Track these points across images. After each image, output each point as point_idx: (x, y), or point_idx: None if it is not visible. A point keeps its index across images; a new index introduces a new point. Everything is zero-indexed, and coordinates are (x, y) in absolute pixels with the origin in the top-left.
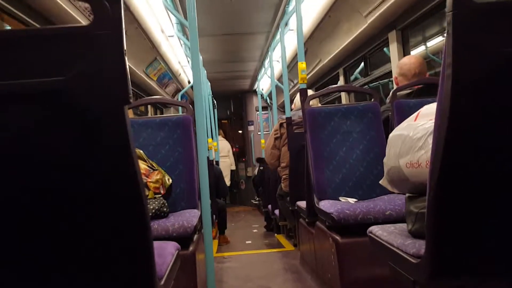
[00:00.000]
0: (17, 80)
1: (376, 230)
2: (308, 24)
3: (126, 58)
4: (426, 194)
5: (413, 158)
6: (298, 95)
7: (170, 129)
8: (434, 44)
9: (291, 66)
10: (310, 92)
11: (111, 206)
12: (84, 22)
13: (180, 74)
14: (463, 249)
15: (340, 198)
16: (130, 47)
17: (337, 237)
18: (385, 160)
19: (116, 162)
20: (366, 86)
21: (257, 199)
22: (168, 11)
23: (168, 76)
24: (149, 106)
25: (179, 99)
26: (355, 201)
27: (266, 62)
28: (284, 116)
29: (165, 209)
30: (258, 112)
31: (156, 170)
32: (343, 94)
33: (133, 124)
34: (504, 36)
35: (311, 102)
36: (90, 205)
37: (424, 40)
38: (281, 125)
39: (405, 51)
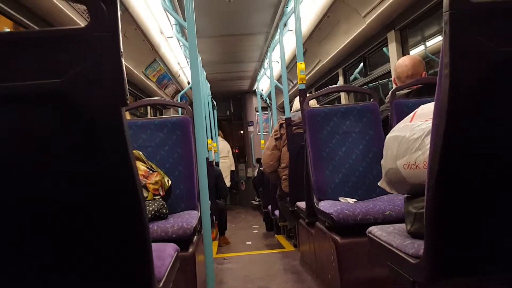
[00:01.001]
0: (14, 82)
1: (375, 230)
2: (307, 24)
3: (123, 60)
4: (424, 194)
5: (411, 159)
6: (296, 99)
7: (169, 130)
8: (433, 44)
9: (291, 66)
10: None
11: (109, 208)
12: (82, 23)
13: (179, 75)
14: (462, 249)
15: (340, 199)
16: (129, 49)
17: (337, 238)
18: (382, 162)
19: (113, 164)
20: (366, 86)
21: (258, 199)
22: (167, 13)
23: (167, 77)
24: (148, 107)
25: (179, 100)
26: (355, 202)
27: (266, 62)
28: (284, 117)
29: (164, 211)
30: (257, 113)
31: (155, 171)
32: (342, 94)
33: (132, 125)
34: (501, 36)
35: (309, 104)
36: (88, 207)
37: (423, 40)
38: (281, 125)
39: (404, 51)
